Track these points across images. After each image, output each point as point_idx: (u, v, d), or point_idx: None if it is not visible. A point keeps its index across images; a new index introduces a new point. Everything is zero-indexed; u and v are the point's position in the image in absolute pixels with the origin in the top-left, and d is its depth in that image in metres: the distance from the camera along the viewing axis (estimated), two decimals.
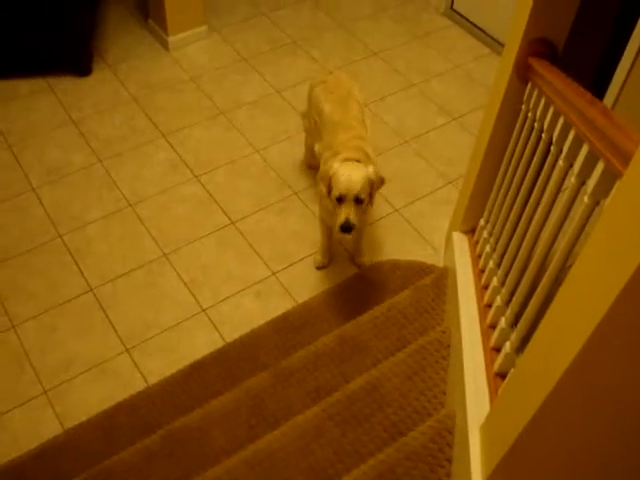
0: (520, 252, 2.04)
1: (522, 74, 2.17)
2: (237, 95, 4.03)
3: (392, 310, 2.68)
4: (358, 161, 2.72)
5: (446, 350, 2.36)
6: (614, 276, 1.06)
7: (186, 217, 3.43)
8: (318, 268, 3.20)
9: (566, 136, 1.75)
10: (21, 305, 3.07)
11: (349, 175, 2.60)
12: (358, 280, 3.03)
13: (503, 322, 2.02)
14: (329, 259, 3.21)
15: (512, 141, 2.30)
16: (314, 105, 3.16)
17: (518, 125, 2.26)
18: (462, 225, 2.83)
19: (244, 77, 4.14)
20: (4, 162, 3.62)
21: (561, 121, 1.80)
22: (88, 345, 2.96)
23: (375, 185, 2.68)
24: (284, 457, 2.10)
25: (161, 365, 2.87)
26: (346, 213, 2.59)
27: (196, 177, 3.61)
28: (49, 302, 3.09)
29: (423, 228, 3.40)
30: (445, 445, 1.94)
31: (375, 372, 2.32)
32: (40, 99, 3.96)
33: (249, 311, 3.05)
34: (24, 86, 4.02)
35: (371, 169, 2.66)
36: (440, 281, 2.78)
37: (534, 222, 1.95)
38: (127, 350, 2.95)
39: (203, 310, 3.08)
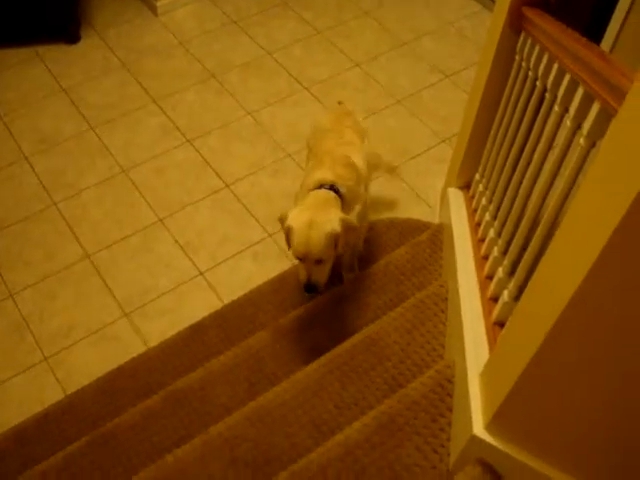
0: (516, 201, 2.04)
1: (515, 24, 2.15)
2: (228, 58, 4.00)
3: (389, 267, 2.69)
4: (332, 187, 2.28)
5: (444, 303, 2.36)
6: (610, 213, 1.06)
7: (180, 181, 3.42)
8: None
9: (561, 81, 1.74)
10: (18, 274, 3.07)
11: (307, 235, 2.12)
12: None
13: (500, 272, 2.02)
14: None
15: (506, 92, 2.29)
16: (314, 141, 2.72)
17: (512, 76, 2.24)
18: (457, 180, 2.82)
19: (234, 40, 4.10)
20: None
21: (555, 67, 1.78)
22: (87, 311, 2.96)
23: (343, 234, 2.18)
24: (285, 412, 2.11)
25: (160, 328, 2.88)
26: (307, 274, 2.19)
27: (189, 141, 3.59)
28: (46, 270, 3.09)
29: (418, 186, 3.40)
30: (445, 395, 1.96)
31: (374, 327, 2.33)
32: (29, 68, 3.92)
33: (246, 273, 3.05)
34: (13, 56, 3.98)
35: (336, 220, 2.15)
36: (436, 237, 2.78)
37: (530, 169, 1.95)
38: (126, 315, 2.95)
39: (200, 273, 3.08)
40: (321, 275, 2.20)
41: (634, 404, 1.32)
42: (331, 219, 2.15)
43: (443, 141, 3.59)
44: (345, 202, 2.33)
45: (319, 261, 2.16)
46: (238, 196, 3.35)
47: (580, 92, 1.59)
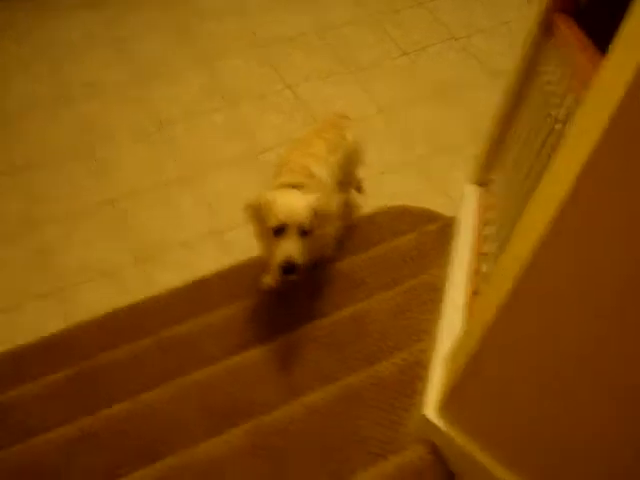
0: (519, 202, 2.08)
1: (546, 30, 2.18)
2: (277, 30, 4.07)
3: (393, 251, 2.74)
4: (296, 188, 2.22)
5: (435, 293, 2.42)
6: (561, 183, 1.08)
7: (212, 142, 3.52)
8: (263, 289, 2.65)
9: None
10: (46, 207, 3.22)
11: (290, 202, 2.07)
12: (367, 221, 3.08)
13: (485, 267, 2.07)
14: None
15: (529, 96, 2.32)
16: None
17: (535, 82, 2.27)
18: (476, 177, 2.86)
19: (286, 12, 4.17)
20: (44, 72, 3.75)
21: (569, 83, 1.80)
22: (103, 252, 3.09)
23: (319, 218, 2.14)
24: (264, 371, 2.20)
25: (169, 278, 2.98)
26: (288, 249, 2.02)
27: (227, 105, 3.68)
28: (73, 207, 3.22)
29: (442, 179, 3.43)
30: (415, 377, 2.02)
31: (363, 305, 2.40)
32: (82, 13, 4.05)
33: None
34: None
35: (313, 198, 2.12)
36: (445, 229, 2.82)
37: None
38: (140, 261, 3.07)
39: (217, 232, 3.18)
40: (301, 251, 2.05)
41: (582, 405, 1.35)
42: (309, 197, 2.13)
43: (479, 139, 3.61)
44: None
45: (303, 232, 2.06)
46: (265, 164, 3.43)
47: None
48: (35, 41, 3.90)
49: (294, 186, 2.22)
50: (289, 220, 2.04)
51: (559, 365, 1.30)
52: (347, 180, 2.80)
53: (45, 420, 2.21)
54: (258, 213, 2.12)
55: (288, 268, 2.03)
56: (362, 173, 3.34)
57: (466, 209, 2.74)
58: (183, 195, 3.31)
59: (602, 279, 1.11)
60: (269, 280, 2.67)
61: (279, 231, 2.05)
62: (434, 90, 3.82)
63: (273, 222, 2.05)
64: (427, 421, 1.68)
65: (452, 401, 1.61)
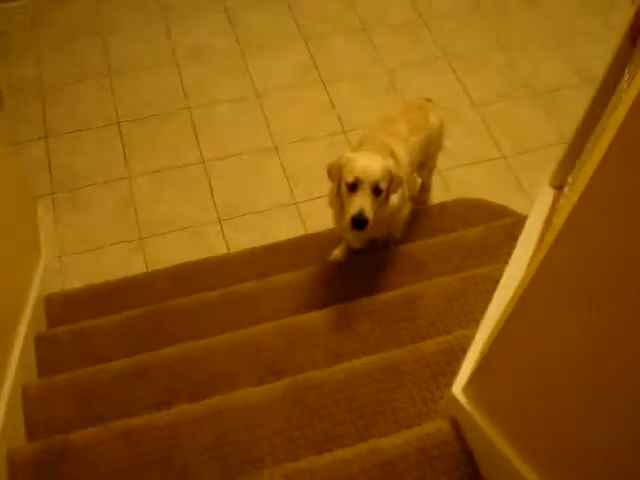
0: None
1: (632, 37, 2.19)
2: (382, 14, 4.14)
3: (459, 240, 2.81)
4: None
5: (492, 284, 2.46)
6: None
7: (304, 117, 3.65)
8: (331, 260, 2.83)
9: None
10: (140, 161, 3.44)
11: (366, 160, 2.17)
12: (440, 208, 3.15)
13: None
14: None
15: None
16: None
17: (617, 90, 2.28)
18: (553, 179, 2.87)
19: (394, 1, 4.23)
20: (158, 32, 3.98)
21: None
22: (188, 209, 3.29)
23: (395, 182, 2.24)
24: (314, 335, 2.32)
25: (245, 241, 3.15)
26: (360, 203, 2.12)
27: (323, 83, 3.80)
28: (164, 164, 3.43)
29: (525, 179, 3.45)
30: (454, 360, 2.09)
31: (420, 286, 2.48)
32: None
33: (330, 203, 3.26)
34: None
35: (391, 162, 2.24)
36: (514, 226, 2.85)
37: None
38: (220, 221, 3.25)
39: (295, 203, 3.32)
40: (372, 208, 2.15)
41: (596, 397, 1.38)
42: (387, 160, 2.23)
43: (565, 142, 3.60)
44: None
45: (376, 190, 2.15)
46: (352, 144, 3.53)
47: None
48: (151, 5, 4.12)
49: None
50: (364, 176, 2.13)
51: (572, 357, 1.35)
52: (426, 163, 2.87)
53: (110, 351, 2.41)
54: (337, 172, 2.23)
55: (359, 221, 2.13)
56: (446, 163, 3.41)
57: (537, 209, 2.76)
58: (270, 164, 3.46)
59: (619, 273, 1.15)
60: (338, 253, 2.83)
61: (354, 186, 2.15)
62: (528, 89, 3.81)
63: (349, 178, 2.15)
64: (453, 398, 1.76)
65: (475, 381, 1.68)
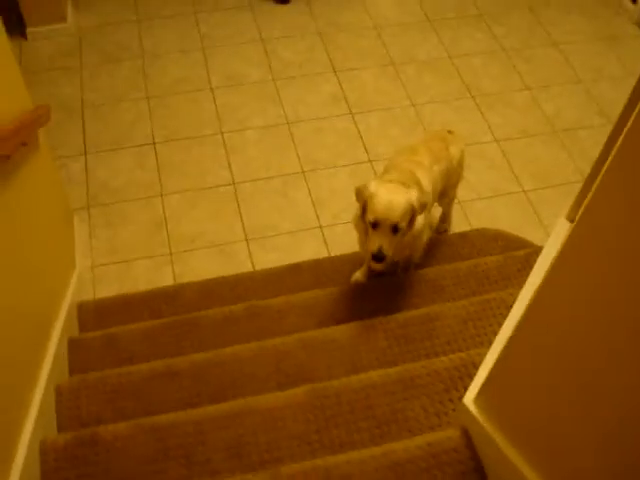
0: None
1: None
2: (411, 51, 4.31)
3: (477, 267, 2.92)
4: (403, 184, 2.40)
5: (507, 309, 2.57)
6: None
7: (332, 145, 3.80)
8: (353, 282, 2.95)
9: None
10: (173, 180, 3.59)
11: (389, 199, 2.26)
12: (459, 237, 3.26)
13: None
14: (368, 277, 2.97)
15: None
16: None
17: None
18: (569, 213, 2.98)
19: (423, 36, 4.40)
20: (195, 60, 4.17)
21: None
22: (216, 227, 3.43)
23: (417, 212, 2.35)
24: (334, 348, 2.44)
25: (271, 260, 3.28)
26: (379, 241, 2.27)
27: (352, 114, 3.95)
28: (196, 184, 3.59)
29: (544, 214, 3.56)
30: (467, 376, 2.19)
31: (437, 307, 2.59)
32: (240, 15, 4.45)
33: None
34: (229, 1, 4.53)
35: (414, 194, 2.32)
36: (532, 256, 2.96)
37: None
38: (247, 240, 3.38)
39: (320, 227, 3.45)
40: (391, 246, 2.29)
41: (603, 407, 1.43)
42: (410, 192, 2.31)
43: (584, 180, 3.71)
44: None
45: (394, 229, 2.26)
46: (376, 172, 3.67)
47: None
48: (194, 34, 4.33)
49: (402, 183, 2.40)
50: (383, 218, 2.26)
51: (577, 367, 1.45)
52: (446, 192, 2.99)
53: (139, 355, 2.54)
54: (362, 198, 2.35)
55: (378, 257, 2.28)
56: (467, 195, 3.54)
57: (552, 241, 2.87)
58: (297, 188, 3.60)
59: (615, 292, 1.26)
60: (359, 275, 2.95)
61: (375, 225, 2.28)
62: (550, 127, 3.94)
63: (370, 217, 2.29)
64: (464, 408, 1.86)
65: (485, 391, 1.79)
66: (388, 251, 2.29)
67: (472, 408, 1.85)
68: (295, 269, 3.11)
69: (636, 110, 1.07)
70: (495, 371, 1.73)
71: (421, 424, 2.09)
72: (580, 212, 1.26)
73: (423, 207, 2.38)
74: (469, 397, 1.88)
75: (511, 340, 1.61)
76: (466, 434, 1.89)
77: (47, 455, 2.03)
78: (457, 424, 1.95)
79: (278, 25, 4.40)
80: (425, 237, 2.77)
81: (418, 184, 2.49)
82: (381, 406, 2.13)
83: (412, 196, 2.31)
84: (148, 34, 4.28)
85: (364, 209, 2.35)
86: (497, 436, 1.75)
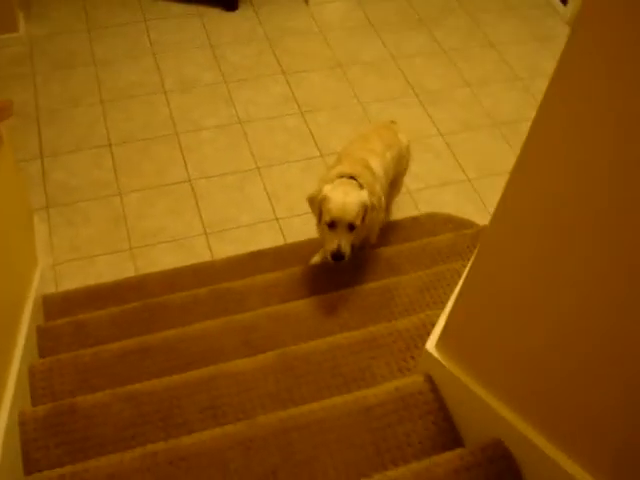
0: None
1: None
2: (356, 54, 4.48)
3: (430, 245, 3.07)
4: (353, 178, 2.54)
5: (460, 278, 2.72)
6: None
7: (284, 143, 3.93)
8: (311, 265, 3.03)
9: None
10: (131, 179, 3.67)
11: (343, 200, 2.41)
12: (411, 221, 3.42)
13: None
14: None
15: None
16: None
17: None
18: None
19: (367, 40, 4.58)
20: (147, 66, 4.26)
21: None
22: (176, 223, 3.51)
23: (369, 210, 2.49)
24: (299, 319, 2.55)
25: (230, 251, 3.37)
26: (337, 240, 2.43)
27: (302, 113, 4.09)
28: (154, 182, 3.67)
29: (488, 201, 3.73)
30: (425, 334, 2.31)
31: (394, 279, 2.73)
32: (189, 22, 4.57)
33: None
34: (178, 9, 4.65)
35: (366, 194, 2.47)
36: (481, 234, 3.13)
37: None
38: (206, 234, 3.47)
39: (277, 219, 3.57)
40: (348, 243, 2.45)
41: (564, 331, 1.49)
42: (362, 193, 2.46)
43: None
44: None
45: (351, 227, 2.42)
46: (329, 166, 3.81)
47: None
48: (144, 40, 4.43)
49: (351, 176, 2.54)
50: (339, 218, 2.42)
51: (536, 294, 1.57)
52: (395, 181, 3.13)
53: (108, 339, 2.60)
54: (317, 205, 2.50)
55: (337, 256, 2.45)
56: (415, 184, 3.70)
57: None
58: (252, 183, 3.71)
59: (576, 203, 1.38)
60: (317, 259, 3.05)
61: (332, 225, 2.43)
62: (491, 121, 4.15)
63: (326, 218, 2.44)
64: (427, 353, 1.98)
65: (445, 335, 1.91)
66: (346, 248, 2.45)
67: (434, 352, 1.97)
68: (256, 256, 3.21)
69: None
70: (453, 315, 1.86)
71: (386, 380, 2.21)
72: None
73: (372, 207, 2.51)
74: (430, 344, 2.00)
75: (465, 283, 1.74)
76: (429, 379, 2.01)
77: (26, 425, 2.08)
78: (420, 371, 2.07)
79: (227, 31, 4.53)
80: (380, 218, 2.90)
81: (370, 169, 2.65)
82: (348, 364, 2.24)
83: (364, 195, 2.46)
84: (99, 42, 4.36)
85: (320, 213, 2.49)
86: (459, 373, 1.88)
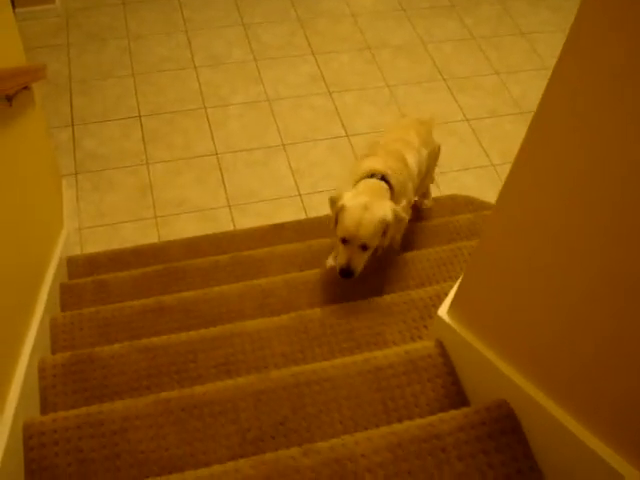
0: None
1: None
2: (386, 37, 4.52)
3: (449, 224, 3.09)
4: (383, 178, 2.30)
5: None
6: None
7: (310, 121, 3.97)
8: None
9: None
10: (158, 150, 3.73)
11: (359, 217, 2.15)
12: (434, 203, 3.43)
13: None
14: None
15: None
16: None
17: None
18: None
19: (397, 24, 4.61)
20: (179, 41, 4.32)
21: None
22: (200, 194, 3.57)
23: (392, 225, 2.23)
24: (316, 286, 2.58)
25: (252, 224, 3.42)
26: (348, 257, 2.20)
27: (329, 92, 4.13)
28: (181, 154, 3.73)
29: None
30: (439, 304, 2.32)
31: (411, 253, 2.75)
32: (222, 0, 4.62)
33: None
34: None
35: (389, 209, 2.20)
36: None
37: None
38: (229, 206, 3.53)
39: (299, 195, 3.61)
40: (360, 262, 2.23)
41: (575, 296, 1.53)
42: (385, 207, 2.19)
43: None
44: (394, 194, 2.34)
45: (364, 247, 2.20)
46: (353, 146, 3.85)
47: None
48: (177, 17, 4.49)
49: (382, 177, 2.30)
50: (352, 237, 2.18)
51: (545, 259, 1.61)
52: (423, 181, 2.93)
53: (131, 295, 2.66)
54: (334, 210, 2.26)
55: (345, 273, 2.23)
56: (439, 168, 3.71)
57: None
58: (277, 159, 3.76)
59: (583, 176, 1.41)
60: (332, 262, 2.71)
61: (344, 240, 2.21)
62: (518, 109, 4.16)
63: (339, 232, 2.21)
64: (439, 319, 2.01)
65: (458, 301, 1.94)
66: (357, 267, 2.23)
67: (445, 318, 2.00)
68: (277, 228, 3.25)
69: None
70: (464, 282, 1.89)
71: (397, 345, 2.24)
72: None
73: (399, 220, 2.29)
74: (442, 310, 2.03)
75: (476, 251, 1.77)
76: (440, 344, 2.05)
77: (45, 372, 2.14)
78: (432, 337, 2.11)
79: (259, 11, 4.58)
80: (403, 226, 2.59)
81: (404, 163, 2.46)
82: (362, 329, 2.27)
83: (387, 209, 2.21)
84: (133, 16, 4.44)
85: (336, 220, 2.25)
86: (470, 338, 1.91)
